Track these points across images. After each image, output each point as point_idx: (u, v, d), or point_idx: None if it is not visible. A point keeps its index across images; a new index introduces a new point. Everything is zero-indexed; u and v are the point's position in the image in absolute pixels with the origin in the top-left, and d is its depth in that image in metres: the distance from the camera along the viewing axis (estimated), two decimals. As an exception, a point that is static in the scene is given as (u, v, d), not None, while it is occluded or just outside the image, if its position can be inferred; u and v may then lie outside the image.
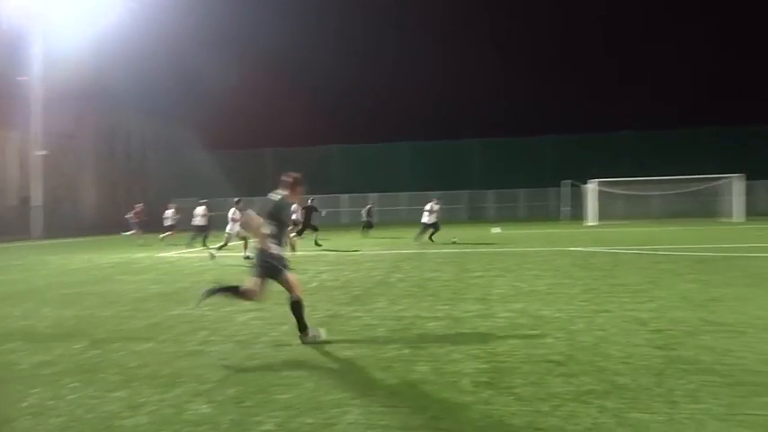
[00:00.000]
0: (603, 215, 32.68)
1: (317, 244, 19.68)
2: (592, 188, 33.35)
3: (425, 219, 20.43)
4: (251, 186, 37.12)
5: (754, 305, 7.23)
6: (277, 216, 5.94)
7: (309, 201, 19.80)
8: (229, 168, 45.91)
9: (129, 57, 41.16)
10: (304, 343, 5.81)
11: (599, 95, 54.06)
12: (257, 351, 5.66)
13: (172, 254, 18.33)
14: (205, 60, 52.95)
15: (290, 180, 6.12)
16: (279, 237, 5.92)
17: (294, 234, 17.44)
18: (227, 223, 16.01)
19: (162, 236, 23.04)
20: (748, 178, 32.44)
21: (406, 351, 5.50)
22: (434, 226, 20.38)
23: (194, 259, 16.15)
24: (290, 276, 5.87)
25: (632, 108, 54.62)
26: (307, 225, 19.12)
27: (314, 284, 10.18)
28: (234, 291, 5.93)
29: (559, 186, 38.81)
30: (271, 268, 5.78)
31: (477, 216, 44.16)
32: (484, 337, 5.97)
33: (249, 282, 5.85)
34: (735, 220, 30.58)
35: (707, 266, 11.31)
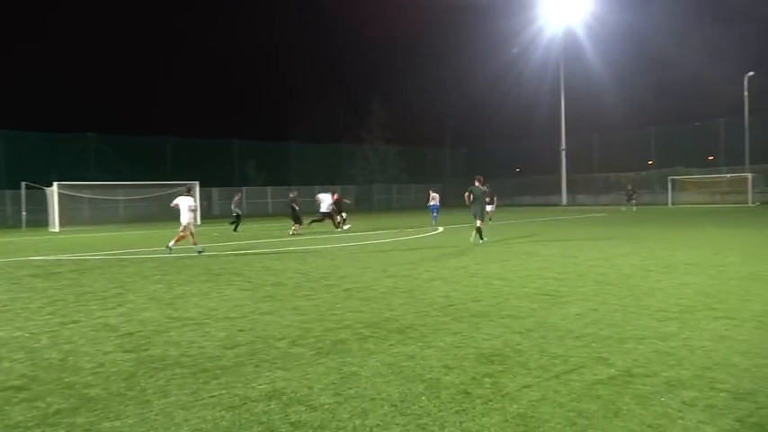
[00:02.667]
0: (69, 221, 30.79)
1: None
2: (55, 192, 30.89)
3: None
4: None
5: (211, 299, 8.17)
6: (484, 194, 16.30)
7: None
8: None
9: None
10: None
11: (56, 93, 50.60)
12: None
13: None
14: None
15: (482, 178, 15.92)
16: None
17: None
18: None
19: None
20: (202, 185, 36.35)
21: None
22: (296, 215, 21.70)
23: None
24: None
25: (96, 110, 53.25)
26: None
27: None
28: (480, 230, 15.39)
29: (17, 189, 34.08)
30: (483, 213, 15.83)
31: None
32: None
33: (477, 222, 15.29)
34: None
35: (171, 267, 12.11)
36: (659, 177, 44.81)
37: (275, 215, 43.19)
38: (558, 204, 48.27)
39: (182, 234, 14.61)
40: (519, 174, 56.92)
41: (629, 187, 38.39)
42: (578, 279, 9.00)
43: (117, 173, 36.64)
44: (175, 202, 14.82)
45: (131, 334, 6.11)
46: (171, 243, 14.77)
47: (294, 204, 21.79)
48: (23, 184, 31.50)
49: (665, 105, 51.10)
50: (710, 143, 45.57)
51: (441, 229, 21.99)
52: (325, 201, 22.82)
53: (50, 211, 30.61)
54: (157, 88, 59.76)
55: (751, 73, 41.10)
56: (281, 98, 65.76)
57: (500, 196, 51.87)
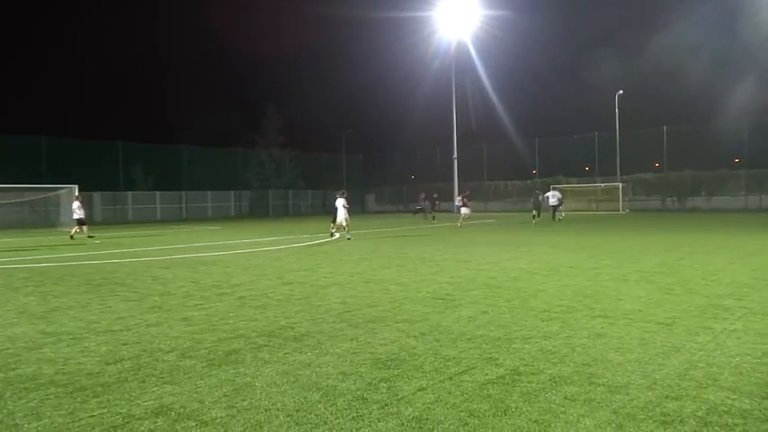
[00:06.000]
0: None
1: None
2: None
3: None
4: None
5: (91, 311, 7.61)
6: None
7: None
8: None
9: None
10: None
11: None
12: None
13: None
14: None
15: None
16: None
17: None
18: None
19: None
20: (82, 189, 33.83)
21: None
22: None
23: None
24: None
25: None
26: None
27: None
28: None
29: None
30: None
31: None
32: None
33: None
34: (65, 229, 31.35)
35: (46, 277, 11.17)
36: (542, 186, 47.69)
37: (164, 221, 41.16)
38: (450, 211, 49.90)
39: (343, 226, 19.25)
40: (414, 181, 58.26)
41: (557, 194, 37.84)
42: (470, 283, 9.33)
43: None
44: (335, 204, 19.39)
45: (-3, 352, 5.55)
46: (338, 233, 19.71)
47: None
48: None
49: (547, 119, 54.65)
50: (587, 155, 49.18)
51: (337, 235, 21.99)
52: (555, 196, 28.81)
53: None
54: (30, 84, 55.22)
55: (621, 91, 44.88)
56: (171, 100, 63.02)
57: (397, 203, 52.65)
